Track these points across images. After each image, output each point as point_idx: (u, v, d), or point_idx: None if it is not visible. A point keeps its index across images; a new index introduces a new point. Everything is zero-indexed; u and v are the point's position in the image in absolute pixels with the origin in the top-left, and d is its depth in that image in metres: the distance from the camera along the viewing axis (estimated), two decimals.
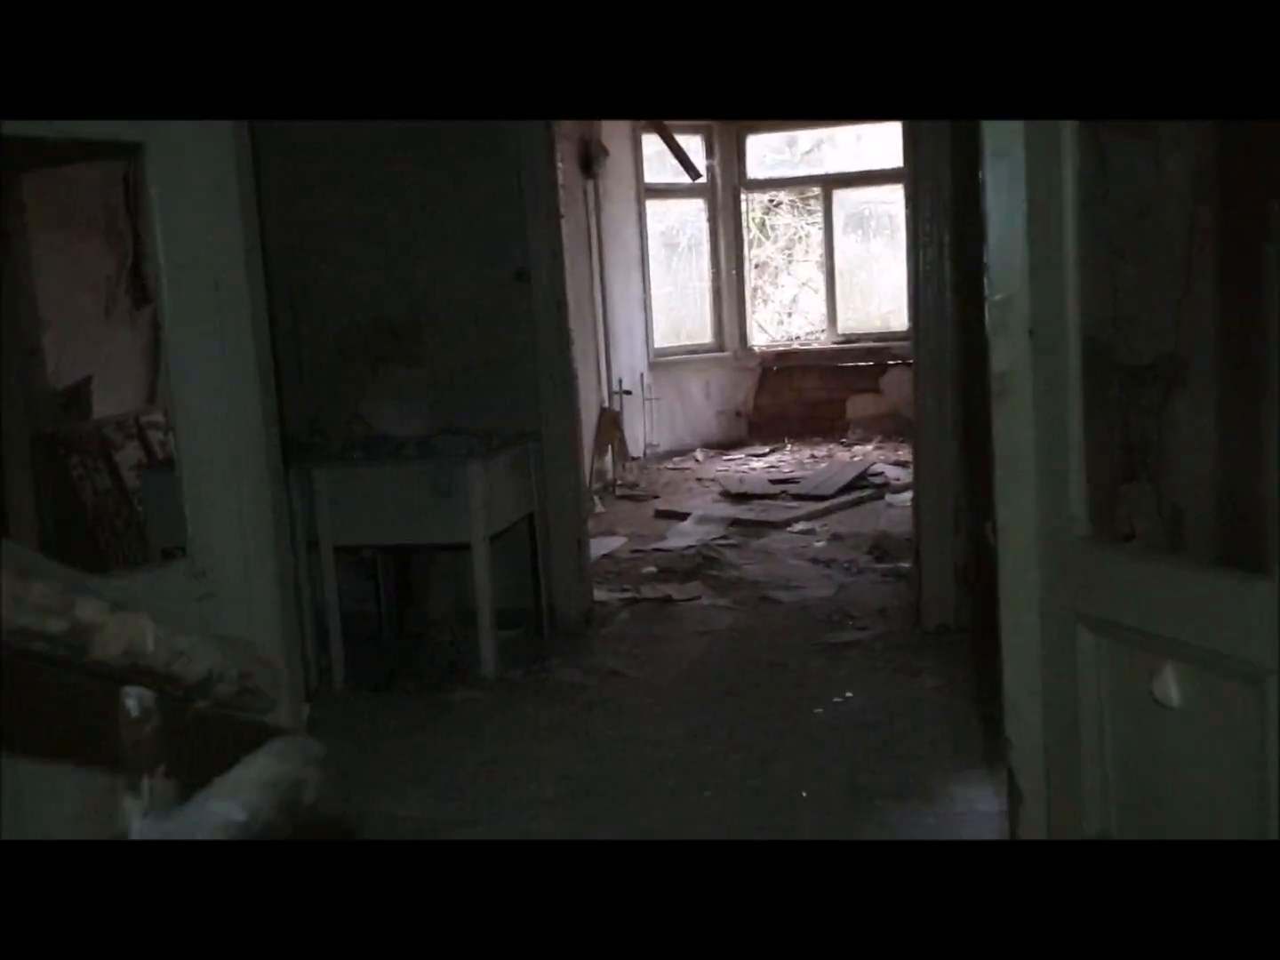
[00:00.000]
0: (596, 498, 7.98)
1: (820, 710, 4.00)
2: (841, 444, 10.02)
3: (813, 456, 9.55)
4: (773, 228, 13.75)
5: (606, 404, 8.58)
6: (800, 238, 14.05)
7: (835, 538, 6.70)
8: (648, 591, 5.59)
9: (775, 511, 7.42)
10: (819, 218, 12.86)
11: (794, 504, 7.60)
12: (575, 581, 5.03)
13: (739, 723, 3.93)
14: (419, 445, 4.83)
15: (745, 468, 9.29)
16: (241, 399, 2.57)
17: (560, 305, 4.91)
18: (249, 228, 2.65)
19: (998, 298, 2.35)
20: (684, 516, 7.38)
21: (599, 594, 5.59)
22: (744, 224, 10.53)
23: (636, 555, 6.48)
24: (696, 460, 9.76)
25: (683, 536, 6.89)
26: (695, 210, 10.38)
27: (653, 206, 9.84)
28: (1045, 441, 2.29)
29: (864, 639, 4.75)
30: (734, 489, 7.98)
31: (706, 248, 10.37)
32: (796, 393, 10.51)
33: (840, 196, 10.73)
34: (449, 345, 4.98)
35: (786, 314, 13.30)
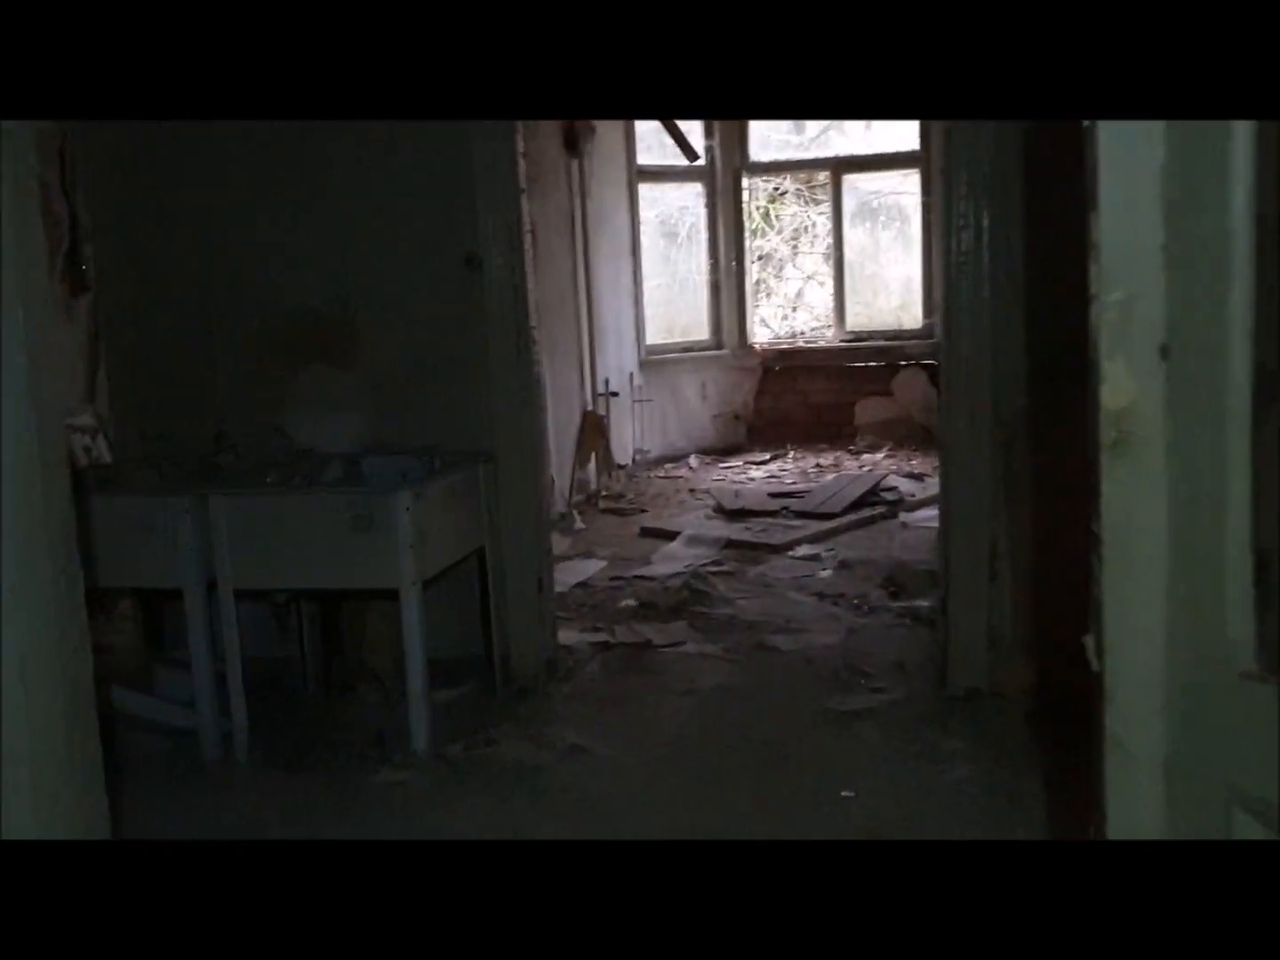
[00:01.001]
0: (576, 512, 7.17)
1: (824, 810, 3.20)
2: (849, 452, 9.21)
3: (817, 466, 8.73)
4: (778, 217, 12.95)
5: (591, 407, 7.78)
6: (806, 228, 13.29)
7: (843, 566, 5.89)
8: (624, 634, 4.78)
9: (775, 532, 6.60)
10: (826, 207, 12.13)
11: (797, 523, 6.79)
12: (535, 627, 4.22)
13: (723, 826, 3.11)
14: (347, 464, 4.02)
15: (743, 477, 8.48)
16: None
17: (519, 296, 4.10)
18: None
19: (1114, 297, 1.49)
20: (673, 536, 6.57)
21: (567, 635, 4.78)
22: (745, 211, 9.68)
23: (615, 584, 5.68)
24: (690, 468, 8.95)
25: (670, 561, 6.08)
26: (692, 195, 9.55)
27: (646, 191, 9.01)
28: (1187, 520, 1.47)
29: (878, 705, 3.94)
30: (729, 504, 7.17)
31: (704, 237, 9.54)
32: (800, 395, 9.70)
33: (850, 183, 9.88)
34: (386, 344, 4.17)
35: (791, 309, 12.51)
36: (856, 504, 7.05)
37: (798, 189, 12.89)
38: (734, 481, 8.31)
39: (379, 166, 4.09)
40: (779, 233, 13.03)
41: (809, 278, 13.08)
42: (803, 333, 11.32)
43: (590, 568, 5.95)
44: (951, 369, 3.94)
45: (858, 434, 9.52)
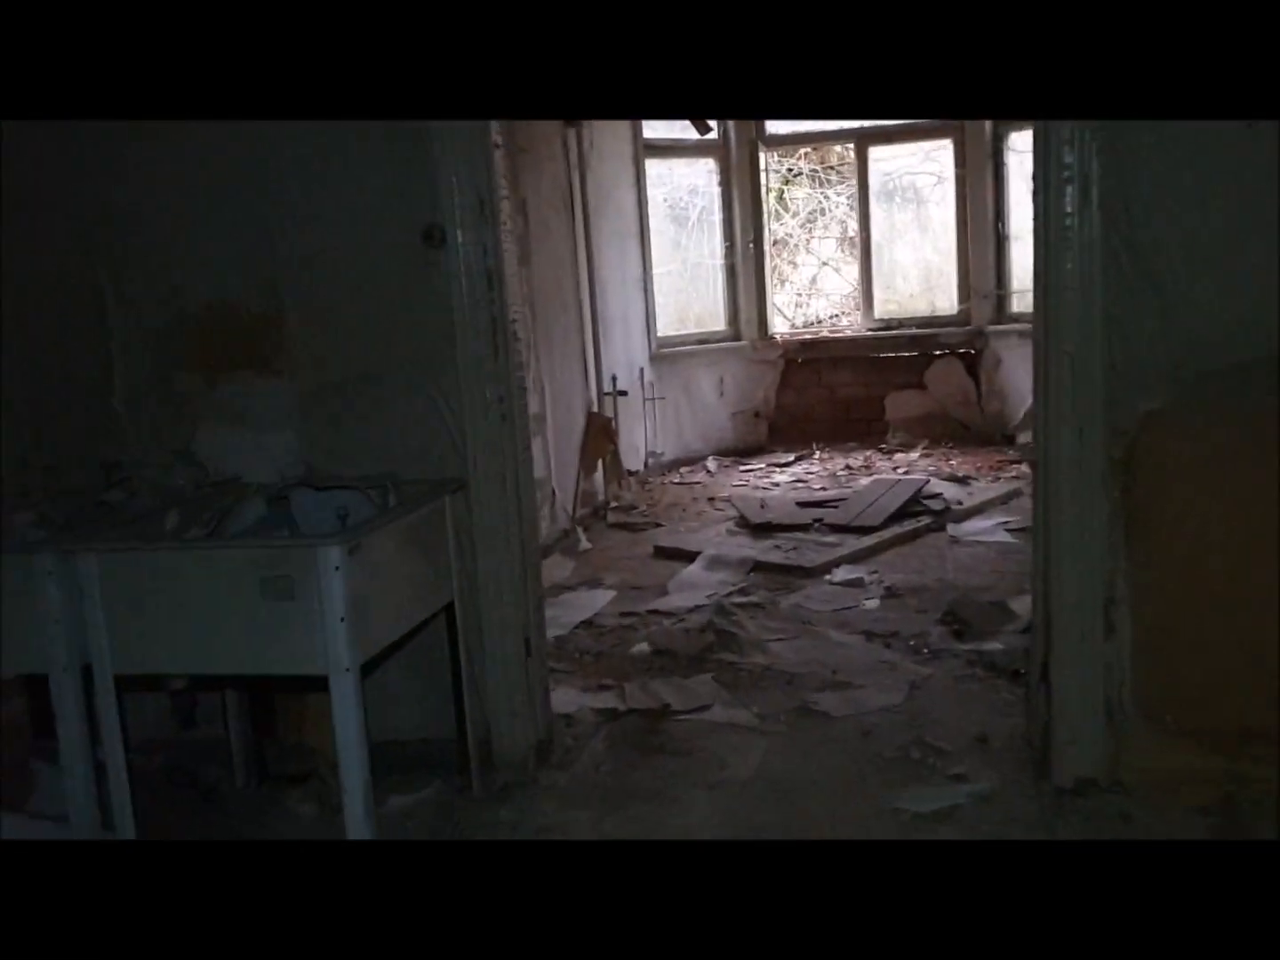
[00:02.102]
0: (580, 529, 6.21)
1: None
2: (880, 451, 8.23)
3: (847, 468, 7.75)
4: (793, 199, 11.98)
5: (596, 408, 6.81)
6: (821, 211, 12.35)
7: (890, 593, 4.91)
8: (636, 695, 3.81)
9: (808, 550, 5.63)
10: (842, 187, 11.17)
11: (831, 539, 5.81)
12: (522, 701, 3.26)
13: None
14: (273, 501, 3.07)
15: (766, 482, 7.50)
16: None
17: (495, 281, 3.13)
18: None
19: None
20: (691, 557, 5.60)
21: (566, 697, 3.82)
22: (763, 188, 8.69)
23: (626, 620, 4.71)
24: (708, 471, 7.99)
25: (689, 590, 5.11)
26: (704, 174, 8.56)
27: (654, 167, 8.02)
28: None
29: (964, 804, 2.98)
30: (754, 517, 6.19)
31: (718, 217, 8.55)
32: (826, 389, 8.72)
33: (874, 158, 8.86)
34: (324, 344, 3.21)
35: (805, 297, 11.55)
36: (897, 515, 6.08)
37: (813, 170, 11.94)
38: (756, 487, 7.34)
39: (317, 123, 3.12)
40: (794, 215, 12.08)
41: (824, 263, 12.17)
42: (819, 320, 10.37)
43: (597, 600, 4.99)
44: (1052, 366, 2.96)
45: (889, 431, 8.55)
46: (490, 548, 3.18)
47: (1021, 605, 4.51)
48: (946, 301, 8.71)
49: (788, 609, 4.76)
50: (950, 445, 8.24)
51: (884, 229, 9.05)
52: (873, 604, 4.78)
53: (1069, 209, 2.86)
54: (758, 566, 5.38)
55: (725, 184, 8.41)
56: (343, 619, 2.52)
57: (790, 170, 11.63)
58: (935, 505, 6.22)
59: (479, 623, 3.21)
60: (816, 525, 6.04)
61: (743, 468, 7.99)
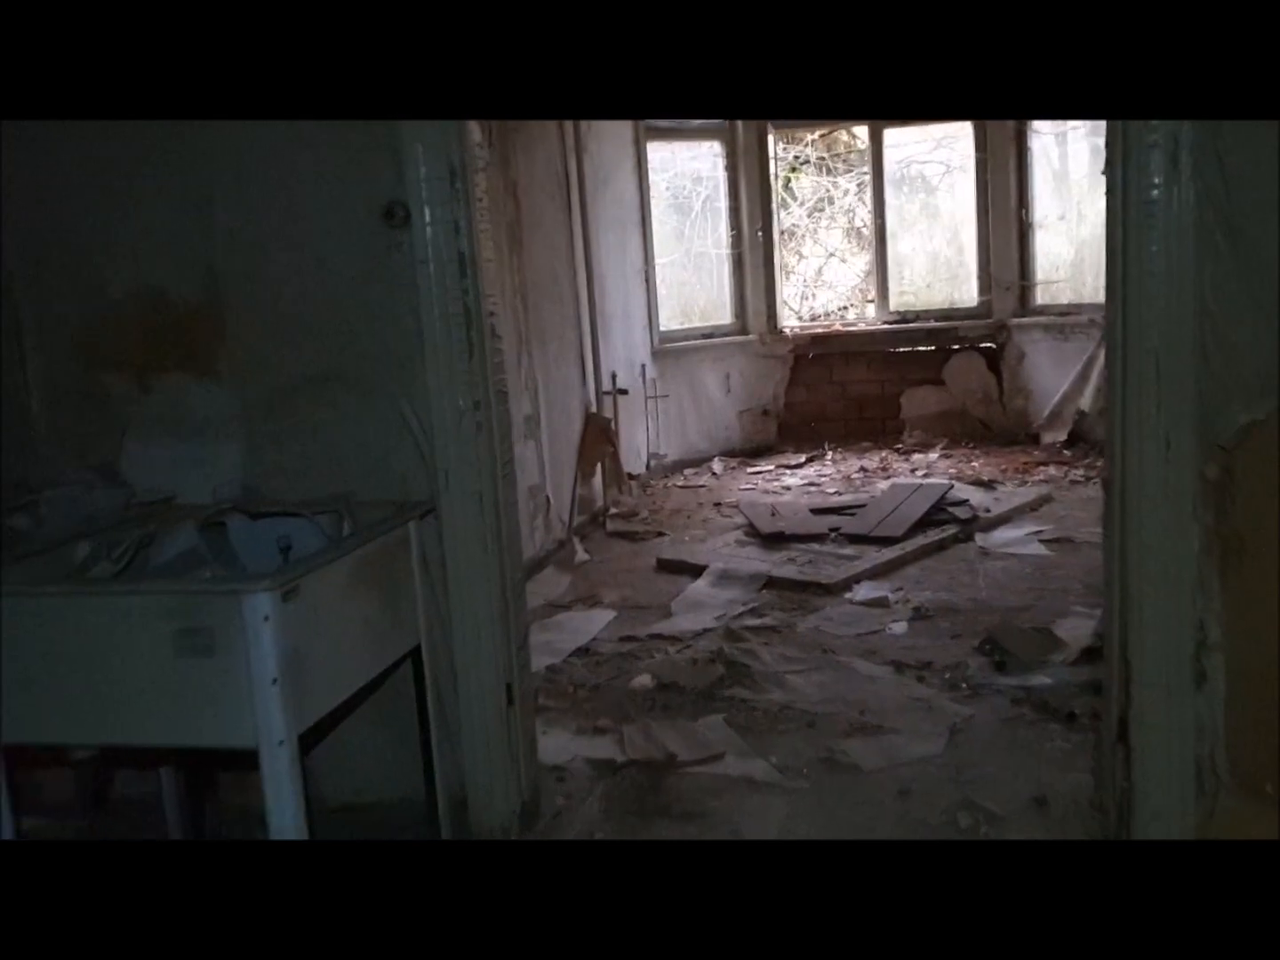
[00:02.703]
0: (577, 540, 5.72)
1: None
2: (896, 451, 7.74)
3: (862, 469, 7.26)
4: (799, 188, 11.49)
5: (594, 408, 6.32)
6: (829, 200, 11.89)
7: (919, 615, 4.42)
8: (637, 741, 3.33)
9: (825, 564, 5.14)
10: (849, 176, 10.71)
11: (850, 550, 5.32)
12: (503, 756, 2.77)
13: None
14: (206, 528, 2.58)
15: (776, 485, 7.01)
16: None
17: (470, 266, 2.64)
18: None
19: None
20: (698, 571, 5.12)
21: (558, 742, 3.34)
22: (772, 173, 8.18)
23: (626, 646, 4.23)
24: (714, 473, 7.50)
25: (695, 610, 4.63)
26: (708, 159, 8.06)
27: (655, 151, 7.52)
28: None
29: None
30: (765, 526, 5.70)
31: (724, 204, 8.04)
32: (838, 386, 8.22)
33: (889, 143, 8.35)
34: (270, 341, 2.72)
35: (812, 289, 11.06)
36: (920, 523, 5.59)
37: (820, 157, 11.46)
38: (766, 491, 6.85)
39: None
40: (801, 204, 11.60)
41: (830, 254, 11.70)
42: (827, 313, 9.87)
43: (595, 623, 4.50)
44: (1131, 367, 2.46)
45: (905, 430, 8.06)
46: (465, 581, 2.69)
47: (1068, 630, 4.03)
48: (966, 293, 8.21)
49: (806, 633, 4.27)
50: (971, 445, 7.75)
51: (894, 220, 8.54)
52: (900, 627, 4.29)
53: (1155, 180, 2.36)
54: (770, 582, 4.89)
55: (731, 168, 7.91)
56: (275, 681, 2.04)
57: (796, 158, 11.15)
58: (961, 513, 5.73)
59: (452, 668, 2.72)
60: (833, 535, 5.55)
61: (751, 469, 7.50)
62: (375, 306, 2.67)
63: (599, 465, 6.24)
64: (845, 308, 10.11)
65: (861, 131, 9.14)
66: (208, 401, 2.76)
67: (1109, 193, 2.51)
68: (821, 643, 4.14)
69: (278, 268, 2.70)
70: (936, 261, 9.19)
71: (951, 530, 5.54)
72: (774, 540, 5.52)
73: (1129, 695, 2.54)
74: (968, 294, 8.13)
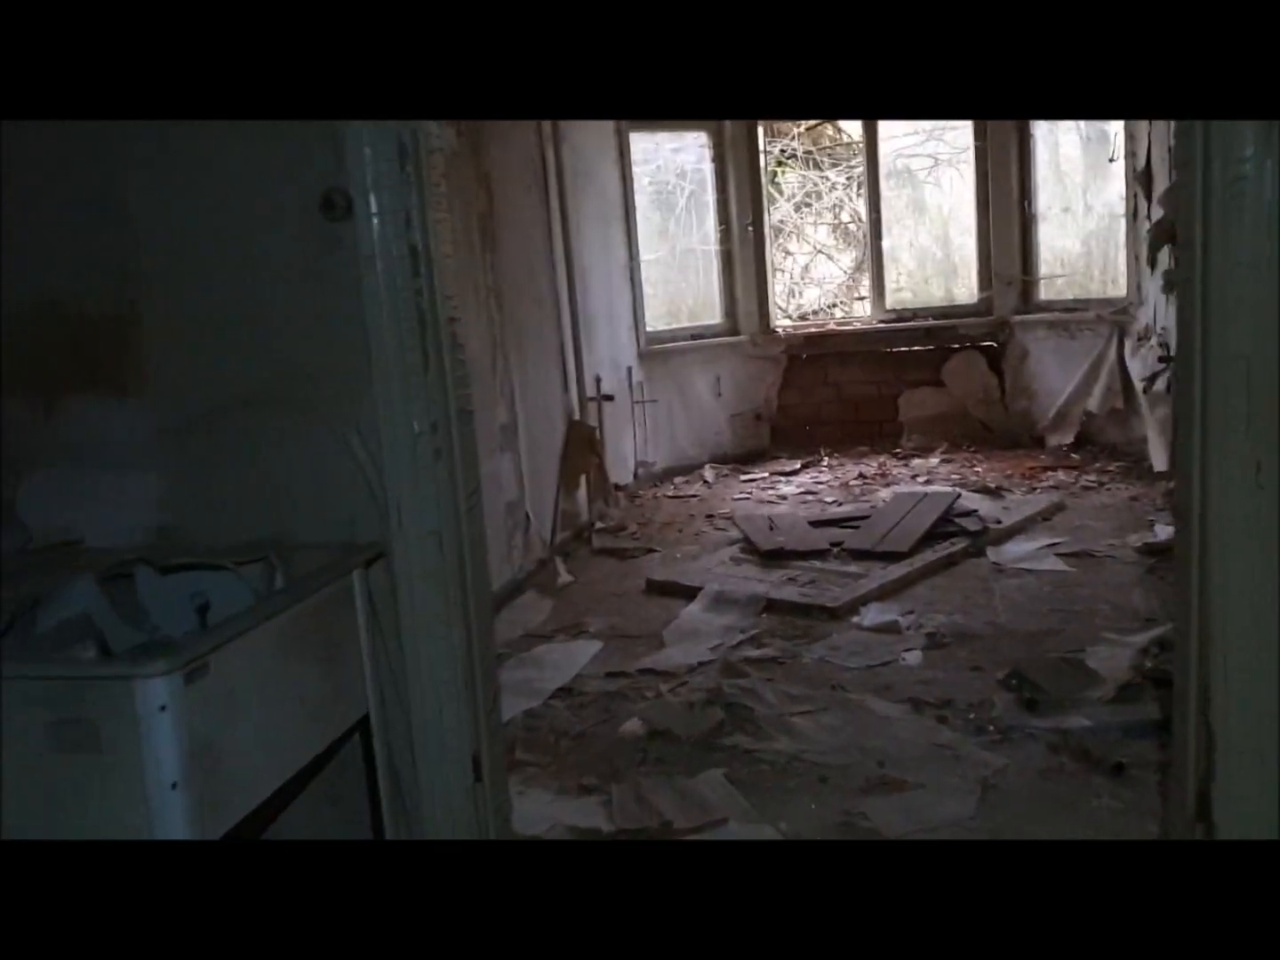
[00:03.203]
0: (560, 560, 5.30)
1: None
2: (895, 456, 7.35)
3: (860, 476, 6.87)
4: (785, 183, 11.11)
5: (578, 415, 5.91)
6: (816, 195, 11.55)
7: (934, 642, 4.02)
8: (627, 806, 2.90)
9: (828, 583, 4.74)
10: (837, 171, 10.36)
11: (854, 568, 4.92)
12: (469, 839, 2.37)
13: None
14: (109, 581, 2.16)
15: (771, 494, 6.61)
16: None
17: (421, 263, 2.23)
18: None
19: None
20: (691, 593, 4.71)
21: (536, 807, 2.91)
22: (762, 164, 7.78)
23: (614, 684, 3.81)
24: (705, 482, 7.09)
25: (689, 640, 4.22)
26: (696, 147, 7.65)
27: (639, 142, 7.11)
28: None
29: None
30: (762, 542, 5.29)
31: (712, 198, 7.63)
32: (833, 388, 7.82)
33: (884, 135, 7.96)
34: (192, 357, 2.30)
35: (800, 285, 10.68)
36: (927, 536, 5.20)
37: (806, 151, 11.09)
38: (761, 501, 6.45)
39: None
40: (790, 199, 11.23)
41: (819, 251, 11.34)
42: (829, 306, 9.48)
43: (579, 656, 4.09)
44: (1214, 376, 2.06)
45: (903, 433, 7.66)
46: (423, 638, 2.27)
47: (1101, 661, 3.64)
48: (965, 289, 7.83)
49: (812, 665, 3.87)
50: (972, 449, 7.36)
51: (886, 214, 8.14)
52: (914, 657, 3.90)
53: (1245, 154, 1.96)
54: (770, 606, 4.50)
55: (719, 159, 7.50)
56: (175, 786, 1.62)
57: (783, 152, 10.77)
58: (970, 524, 5.34)
59: (409, 739, 2.31)
60: (835, 551, 5.15)
61: (744, 477, 7.10)
62: (314, 314, 2.26)
63: (583, 477, 5.83)
64: (834, 305, 9.75)
65: (850, 125, 8.76)
66: (120, 426, 2.34)
67: (1178, 165, 2.11)
68: (830, 677, 3.74)
69: (200, 270, 2.28)
70: (932, 257, 8.81)
71: (961, 544, 5.15)
72: (772, 557, 5.12)
73: (1211, 765, 2.14)
74: (967, 290, 7.75)
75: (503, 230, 4.90)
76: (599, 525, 5.89)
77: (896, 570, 4.81)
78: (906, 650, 3.97)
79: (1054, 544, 5.13)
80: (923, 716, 3.40)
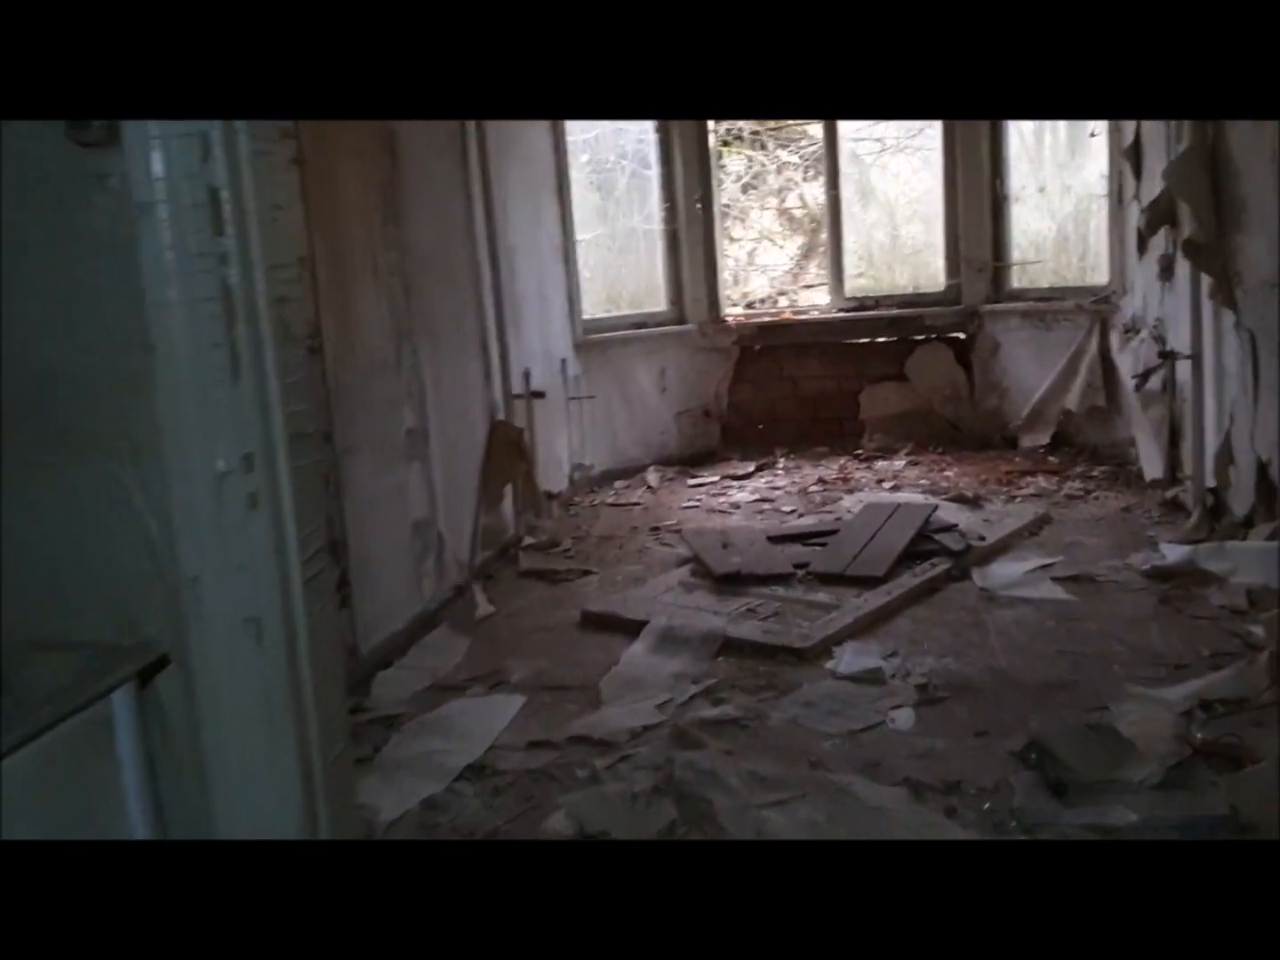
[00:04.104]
0: (478, 587, 4.53)
1: None
2: (856, 457, 6.67)
3: (820, 481, 6.17)
4: (729, 167, 10.42)
5: (502, 415, 5.13)
6: (760, 178, 10.93)
7: (926, 696, 3.31)
8: None
9: (794, 614, 4.03)
10: (783, 152, 9.78)
11: (823, 596, 4.21)
12: None
13: None
14: None
15: (723, 501, 5.90)
16: None
17: (224, 216, 1.47)
18: None
19: None
20: (635, 629, 3.97)
21: None
22: (711, 141, 7.04)
23: (538, 758, 3.04)
24: (649, 486, 6.35)
25: (633, 691, 3.47)
26: (634, 132, 6.88)
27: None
28: None
29: None
30: (716, 565, 4.55)
31: (656, 172, 6.88)
32: (789, 383, 7.12)
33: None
34: None
35: (745, 274, 10.00)
36: (904, 555, 4.52)
37: (753, 132, 10.41)
38: (712, 510, 5.73)
39: None
40: (737, 181, 10.55)
41: (762, 237, 10.70)
42: (779, 293, 8.80)
43: (496, 717, 3.32)
44: None
45: (865, 432, 6.99)
46: (236, 788, 1.51)
47: (1135, 725, 2.97)
48: (930, 277, 7.16)
49: (781, 730, 3.15)
50: (940, 450, 6.70)
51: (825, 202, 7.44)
52: (905, 718, 3.20)
53: None
54: (728, 645, 3.78)
55: (664, 130, 6.75)
56: None
57: (729, 131, 10.07)
58: (951, 542, 4.65)
59: None
60: (800, 575, 4.44)
61: (692, 481, 6.37)
62: (65, 291, 1.48)
63: (509, 486, 5.07)
64: (783, 293, 9.07)
65: None
66: None
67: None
68: (805, 748, 3.03)
69: None
70: (892, 242, 8.15)
71: (943, 565, 4.46)
72: (728, 582, 4.39)
73: None
74: (934, 277, 7.08)
75: (411, 200, 4.11)
76: (528, 541, 5.13)
77: (873, 599, 4.11)
78: (894, 708, 3.27)
79: (1047, 565, 4.47)
80: (925, 806, 2.69)
